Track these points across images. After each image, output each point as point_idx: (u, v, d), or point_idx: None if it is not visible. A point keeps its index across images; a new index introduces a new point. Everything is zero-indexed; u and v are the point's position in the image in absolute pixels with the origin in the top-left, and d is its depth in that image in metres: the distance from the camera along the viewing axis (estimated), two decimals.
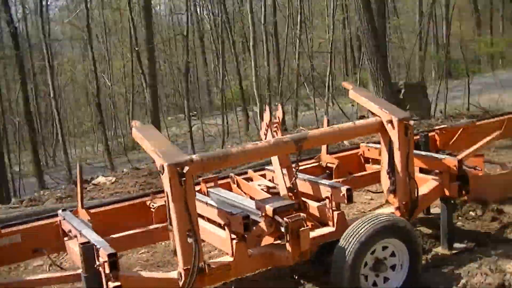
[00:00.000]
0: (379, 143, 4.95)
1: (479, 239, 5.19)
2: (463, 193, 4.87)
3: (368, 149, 5.67)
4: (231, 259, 3.96)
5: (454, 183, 4.84)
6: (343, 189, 4.41)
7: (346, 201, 4.42)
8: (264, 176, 5.40)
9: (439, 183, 4.90)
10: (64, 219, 4.35)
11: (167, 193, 3.66)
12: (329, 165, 5.51)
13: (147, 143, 3.87)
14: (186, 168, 3.61)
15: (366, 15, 11.73)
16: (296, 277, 4.79)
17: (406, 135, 4.53)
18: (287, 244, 4.02)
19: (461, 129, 5.94)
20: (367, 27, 11.73)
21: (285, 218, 4.01)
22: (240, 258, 3.97)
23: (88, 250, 3.59)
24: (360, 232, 4.07)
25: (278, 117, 4.88)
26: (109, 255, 3.45)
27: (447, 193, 4.90)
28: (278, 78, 21.54)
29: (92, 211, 4.60)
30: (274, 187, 4.92)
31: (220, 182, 5.19)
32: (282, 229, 4.05)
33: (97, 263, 3.57)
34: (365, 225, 4.11)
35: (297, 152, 4.45)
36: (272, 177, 5.21)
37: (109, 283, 3.48)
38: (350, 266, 4.02)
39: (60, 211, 4.47)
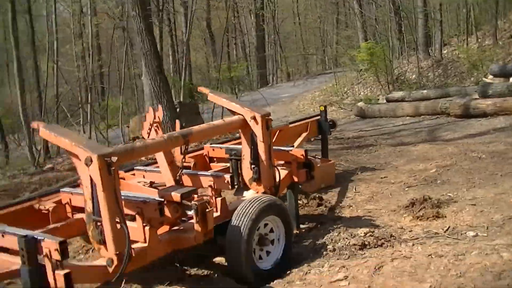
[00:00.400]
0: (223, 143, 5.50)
1: (317, 220, 6.06)
2: (309, 178, 5.66)
3: (213, 149, 6.13)
4: (145, 244, 4.07)
5: (302, 170, 5.61)
6: (226, 176, 4.84)
7: (230, 187, 4.86)
8: (134, 175, 5.50)
9: (289, 171, 5.61)
10: None
11: (94, 183, 3.68)
12: (185, 164, 5.82)
13: (65, 140, 3.82)
14: (115, 158, 3.71)
15: (149, 37, 12.19)
16: (178, 265, 5.01)
17: (267, 129, 5.15)
18: (196, 225, 4.26)
19: (278, 131, 6.78)
20: (149, 49, 12.17)
21: (193, 202, 4.28)
22: (153, 243, 4.10)
23: (30, 243, 3.40)
24: (250, 211, 4.53)
25: (158, 117, 5.12)
26: (60, 243, 3.38)
27: (295, 179, 5.63)
28: None
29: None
30: (154, 182, 5.08)
31: None
32: (190, 212, 4.30)
33: (41, 255, 3.44)
34: (253, 205, 4.58)
35: (184, 145, 4.74)
36: (143, 175, 5.36)
37: (58, 272, 3.39)
38: (245, 241, 4.43)
39: None
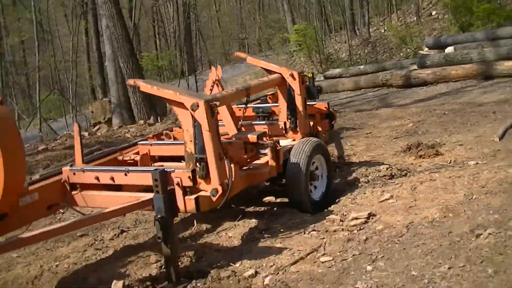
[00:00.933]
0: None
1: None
2: (331, 128, 6.62)
3: (239, 109, 6.90)
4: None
5: (325, 120, 6.56)
6: (281, 123, 5.73)
7: (284, 132, 5.75)
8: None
9: (314, 121, 6.52)
10: (74, 174, 4.61)
11: (199, 125, 4.42)
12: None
13: (168, 91, 4.53)
14: (217, 103, 4.51)
15: (120, 21, 12.62)
16: (233, 206, 5.81)
17: (303, 84, 6.06)
18: (270, 161, 5.12)
19: None
20: (121, 33, 12.60)
21: (268, 141, 5.14)
22: (237, 178, 4.84)
23: (162, 174, 4.12)
24: (305, 149, 5.43)
25: (218, 75, 5.91)
26: (193, 171, 4.23)
27: (319, 128, 6.56)
28: None
29: (93, 164, 4.90)
30: None
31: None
32: (265, 151, 5.15)
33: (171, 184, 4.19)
34: (307, 144, 5.48)
35: (246, 97, 5.55)
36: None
37: (188, 197, 4.26)
38: (304, 174, 5.33)
39: (67, 168, 4.69)
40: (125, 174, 4.60)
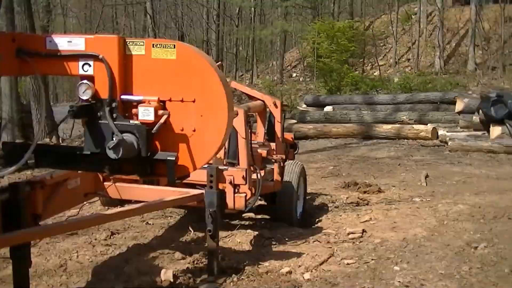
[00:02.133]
0: None
1: None
2: (294, 156, 7.21)
3: None
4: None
5: (290, 149, 7.14)
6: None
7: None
8: None
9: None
10: None
11: (237, 132, 4.87)
12: None
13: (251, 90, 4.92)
14: (252, 114, 4.99)
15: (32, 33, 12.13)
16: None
17: (283, 112, 6.63)
18: (276, 175, 5.66)
19: None
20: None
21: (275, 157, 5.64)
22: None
23: (217, 171, 4.45)
24: (296, 170, 6.02)
25: None
26: (246, 170, 4.63)
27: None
28: None
29: None
30: None
31: None
32: (271, 166, 5.64)
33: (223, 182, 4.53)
34: (296, 166, 6.07)
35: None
36: None
37: (238, 195, 4.68)
38: (295, 192, 5.88)
39: None
40: None
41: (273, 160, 5.66)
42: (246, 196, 4.67)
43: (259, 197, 5.99)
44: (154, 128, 2.78)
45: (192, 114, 2.86)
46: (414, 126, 13.85)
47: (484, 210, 6.15)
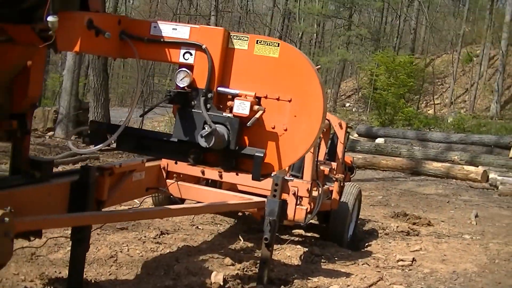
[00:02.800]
0: None
1: None
2: (350, 179, 7.34)
3: None
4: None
5: (347, 172, 7.27)
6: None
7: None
8: None
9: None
10: (176, 163, 4.85)
11: None
12: None
13: None
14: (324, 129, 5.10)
15: None
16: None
17: (346, 134, 6.77)
18: (335, 194, 5.75)
19: None
20: None
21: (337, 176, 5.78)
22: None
23: (283, 181, 4.55)
24: (353, 192, 6.12)
25: None
26: (311, 183, 4.79)
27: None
28: None
29: None
30: None
31: None
32: (331, 184, 5.78)
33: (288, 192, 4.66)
34: (354, 188, 6.17)
35: None
36: None
37: (299, 207, 4.77)
38: (350, 214, 5.98)
39: None
40: (237, 174, 4.92)
41: (334, 179, 5.80)
42: (307, 209, 4.82)
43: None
44: (249, 122, 2.81)
45: (286, 114, 2.89)
46: (464, 167, 13.71)
47: None
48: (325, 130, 6.61)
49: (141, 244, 5.26)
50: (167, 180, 4.94)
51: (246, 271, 4.79)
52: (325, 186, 5.81)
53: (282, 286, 4.54)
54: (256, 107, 2.84)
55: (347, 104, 26.64)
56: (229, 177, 4.96)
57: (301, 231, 6.52)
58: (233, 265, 4.93)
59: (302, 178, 5.18)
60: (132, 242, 5.29)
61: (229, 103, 2.90)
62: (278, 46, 2.87)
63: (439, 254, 5.87)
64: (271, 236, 4.46)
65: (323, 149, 6.66)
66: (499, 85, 23.16)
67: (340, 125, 6.57)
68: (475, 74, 25.15)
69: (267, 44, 2.88)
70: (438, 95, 26.14)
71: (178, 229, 6.12)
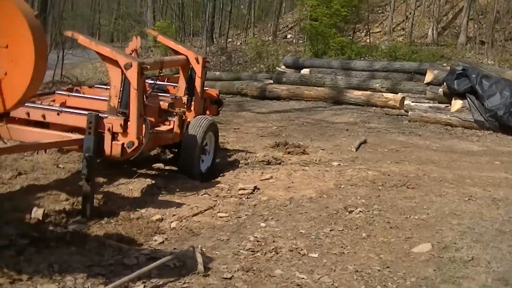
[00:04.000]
0: None
1: None
2: (218, 113, 7.23)
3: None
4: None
5: (213, 106, 7.15)
6: (184, 98, 6.22)
7: (186, 106, 6.25)
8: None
9: (204, 105, 7.08)
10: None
11: (130, 83, 4.83)
12: None
13: (105, 48, 4.87)
14: (148, 66, 4.97)
15: None
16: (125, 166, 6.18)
17: (204, 68, 6.62)
18: (176, 128, 5.63)
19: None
20: None
21: (176, 110, 5.65)
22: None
23: (96, 118, 4.53)
24: (203, 124, 6.01)
25: (137, 45, 6.28)
26: (124, 120, 4.68)
27: (208, 112, 7.13)
28: None
29: None
30: None
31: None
32: (172, 118, 5.66)
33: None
34: (204, 120, 6.07)
35: (159, 70, 5.98)
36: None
37: (115, 142, 4.73)
38: (198, 147, 5.90)
39: None
40: (58, 114, 4.87)
41: (174, 113, 5.69)
42: (123, 144, 4.72)
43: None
44: None
45: (4, 59, 3.12)
46: (384, 94, 13.67)
47: (389, 178, 6.19)
48: (183, 65, 6.49)
49: None
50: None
51: (75, 205, 4.78)
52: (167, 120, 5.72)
53: (106, 218, 4.55)
54: None
55: (288, 36, 26.23)
56: (51, 117, 4.99)
57: (161, 165, 6.45)
58: (67, 200, 4.91)
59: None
60: None
61: None
62: None
63: (287, 182, 5.87)
64: (88, 171, 4.50)
65: (183, 85, 6.54)
66: (434, 12, 23.02)
67: (197, 60, 6.48)
68: (413, 1, 24.93)
69: None
70: (378, 24, 25.92)
71: (37, 169, 6.01)
